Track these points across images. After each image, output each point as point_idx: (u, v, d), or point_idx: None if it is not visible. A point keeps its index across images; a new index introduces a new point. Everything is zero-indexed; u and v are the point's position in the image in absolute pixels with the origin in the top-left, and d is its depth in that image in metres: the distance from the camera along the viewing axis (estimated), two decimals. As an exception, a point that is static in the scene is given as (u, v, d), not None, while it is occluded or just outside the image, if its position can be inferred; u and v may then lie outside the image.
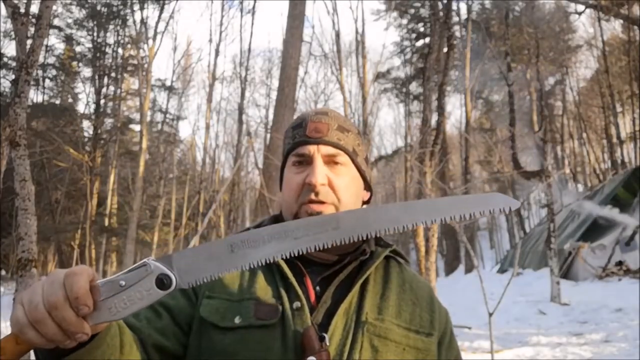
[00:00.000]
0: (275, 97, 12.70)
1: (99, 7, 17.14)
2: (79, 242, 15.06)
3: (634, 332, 6.45)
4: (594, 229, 13.24)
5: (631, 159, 21.35)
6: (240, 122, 18.17)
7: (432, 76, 8.44)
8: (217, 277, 0.65)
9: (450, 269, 21.67)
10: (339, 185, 0.92)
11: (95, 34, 17.57)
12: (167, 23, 21.28)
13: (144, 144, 13.88)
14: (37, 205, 3.31)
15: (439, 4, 9.34)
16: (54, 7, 8.77)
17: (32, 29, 3.48)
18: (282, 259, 0.92)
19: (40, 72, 16.67)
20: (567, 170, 26.07)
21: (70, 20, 17.40)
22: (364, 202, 1.01)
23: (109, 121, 18.16)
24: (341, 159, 0.94)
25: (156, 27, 15.17)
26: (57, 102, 18.18)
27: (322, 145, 0.93)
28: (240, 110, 18.22)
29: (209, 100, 18.34)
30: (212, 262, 0.64)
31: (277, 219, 1.01)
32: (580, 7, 15.86)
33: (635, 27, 16.70)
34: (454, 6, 18.80)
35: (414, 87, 23.65)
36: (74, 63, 18.53)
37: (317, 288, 0.89)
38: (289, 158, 0.96)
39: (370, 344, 0.85)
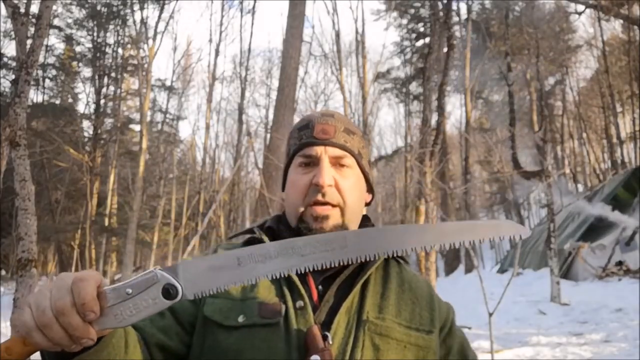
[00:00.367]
0: (275, 97, 12.69)
1: (99, 7, 17.14)
2: (79, 242, 15.05)
3: (634, 332, 6.45)
4: (594, 229, 13.24)
5: (631, 159, 21.35)
6: (240, 122, 18.18)
7: (432, 76, 8.45)
8: (223, 290, 0.65)
9: (450, 269, 21.68)
10: (344, 187, 0.93)
11: (95, 34, 17.56)
12: (167, 23, 21.27)
13: (144, 144, 13.87)
14: (37, 205, 3.31)
15: (439, 4, 9.35)
16: (54, 7, 8.77)
17: (32, 29, 3.48)
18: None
19: (40, 72, 16.67)
20: (567, 170, 26.07)
21: (70, 20, 17.40)
22: (366, 204, 1.03)
23: (109, 121, 18.16)
24: (347, 161, 0.95)
25: (156, 27, 15.16)
26: (57, 102, 18.17)
27: (329, 147, 0.94)
28: (240, 110, 18.23)
29: (209, 100, 18.36)
30: (219, 274, 0.64)
31: (280, 219, 1.02)
32: (580, 7, 15.87)
33: (635, 27, 16.70)
34: (454, 6, 18.82)
35: (414, 87, 23.65)
36: (74, 63, 18.52)
37: (320, 287, 0.90)
38: (295, 158, 0.97)
39: (372, 343, 0.85)
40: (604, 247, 12.44)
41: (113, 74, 17.83)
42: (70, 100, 19.24)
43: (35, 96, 17.30)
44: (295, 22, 12.27)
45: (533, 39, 15.21)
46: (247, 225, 13.13)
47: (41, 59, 15.67)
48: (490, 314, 4.85)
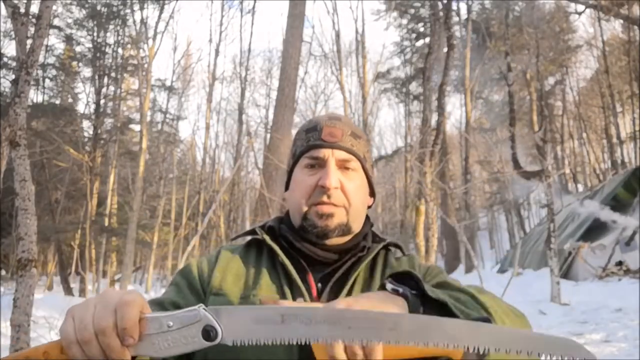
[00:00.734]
0: (275, 97, 12.70)
1: (99, 7, 17.12)
2: (79, 242, 15.05)
3: (634, 332, 6.45)
4: (594, 229, 13.24)
5: (631, 159, 21.35)
6: (240, 122, 18.19)
7: (432, 76, 8.45)
8: (263, 344, 0.64)
9: (450, 269, 21.66)
10: (350, 190, 0.95)
11: (95, 34, 17.55)
12: (167, 23, 21.28)
13: (144, 144, 13.88)
14: (37, 205, 3.31)
15: (439, 4, 9.35)
16: (54, 7, 8.78)
17: (32, 29, 3.48)
18: (289, 260, 0.95)
19: (40, 72, 16.64)
20: (567, 170, 26.08)
21: (70, 20, 17.37)
22: (368, 207, 1.05)
23: (109, 121, 18.15)
24: (353, 165, 0.97)
25: (156, 27, 15.18)
26: (57, 102, 18.15)
27: (336, 150, 0.96)
28: (240, 110, 18.23)
29: (209, 100, 18.37)
30: (261, 328, 0.63)
31: (282, 220, 1.04)
32: (580, 7, 15.87)
33: (635, 27, 16.70)
34: (454, 6, 18.81)
35: (414, 87, 23.66)
36: (74, 63, 18.50)
37: (319, 285, 0.93)
38: (302, 160, 0.99)
39: None
40: (604, 247, 12.44)
41: (113, 74, 17.82)
42: (70, 100, 19.23)
43: (35, 96, 17.29)
44: (295, 22, 12.28)
45: (533, 39, 15.22)
46: (247, 225, 13.13)
47: (41, 59, 15.67)
48: (490, 314, 4.85)
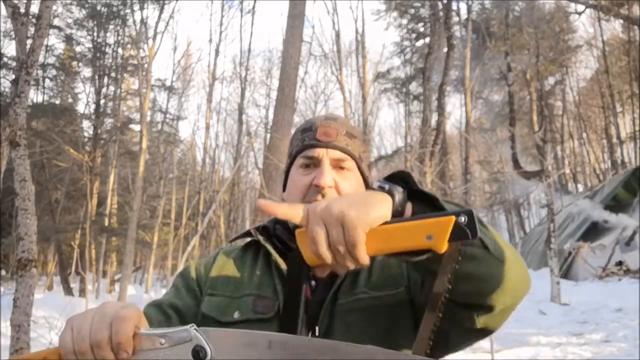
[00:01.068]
0: (275, 97, 12.69)
1: (99, 7, 17.11)
2: (79, 242, 15.04)
3: (634, 332, 6.45)
4: (594, 229, 13.25)
5: (631, 159, 21.35)
6: (240, 122, 18.19)
7: (432, 76, 8.45)
8: None
9: (450, 269, 21.65)
10: (344, 189, 0.96)
11: (95, 34, 17.54)
12: (167, 23, 21.25)
13: (144, 144, 13.87)
14: (37, 205, 3.31)
15: (439, 4, 9.35)
16: (54, 7, 8.78)
17: (32, 29, 3.48)
18: (280, 256, 0.95)
19: (40, 72, 16.63)
20: (567, 170, 26.07)
21: (70, 20, 17.37)
22: None
23: (109, 121, 18.14)
24: (348, 164, 0.97)
25: (156, 27, 15.16)
26: (57, 102, 18.14)
27: (330, 149, 0.97)
28: (240, 110, 18.23)
29: (209, 100, 18.37)
30: (248, 351, 0.64)
31: (278, 221, 1.04)
32: (580, 7, 15.88)
33: (635, 27, 16.70)
34: (454, 6, 18.81)
35: (414, 87, 23.65)
36: (74, 63, 18.50)
37: (313, 283, 0.94)
38: (297, 159, 0.99)
39: (344, 323, 0.88)
40: (604, 247, 12.45)
41: (113, 74, 17.81)
42: (70, 100, 19.22)
43: (35, 96, 17.28)
44: (295, 22, 12.27)
45: (533, 39, 15.23)
46: (247, 225, 13.14)
47: (41, 59, 15.67)
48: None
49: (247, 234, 1.04)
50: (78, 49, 18.11)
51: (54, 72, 18.06)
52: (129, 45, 17.68)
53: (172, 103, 20.89)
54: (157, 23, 15.16)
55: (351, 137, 0.99)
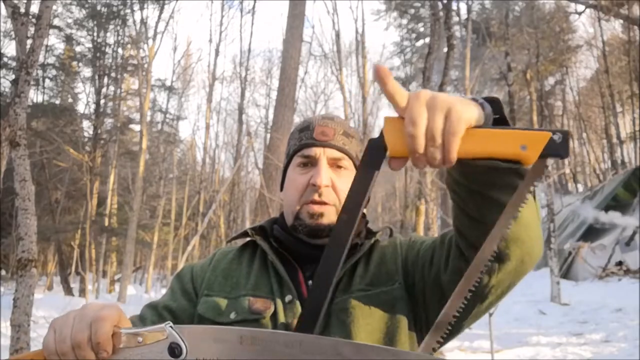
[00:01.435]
0: (275, 97, 12.70)
1: (99, 7, 17.11)
2: (79, 242, 15.05)
3: (634, 332, 6.45)
4: (594, 229, 13.24)
5: (631, 159, 21.34)
6: (240, 122, 18.17)
7: (432, 76, 8.45)
8: None
9: (450, 269, 21.67)
10: (341, 188, 0.96)
11: (95, 34, 17.54)
12: (167, 23, 21.31)
13: (144, 144, 13.89)
14: (37, 205, 3.31)
15: (439, 4, 9.33)
16: (54, 7, 8.77)
17: (32, 29, 3.48)
18: (277, 256, 0.96)
19: (40, 72, 16.64)
20: (567, 170, 26.06)
21: (70, 20, 17.36)
22: None
23: (109, 121, 18.15)
24: (344, 163, 0.98)
25: (156, 27, 15.19)
26: (57, 102, 18.14)
27: (327, 149, 0.97)
28: (240, 110, 18.22)
29: (209, 100, 18.36)
30: (220, 346, 0.66)
31: (276, 220, 1.06)
32: (580, 7, 15.88)
33: (635, 27, 16.70)
34: (454, 6, 18.81)
35: (414, 87, 23.65)
36: (74, 63, 18.49)
37: (309, 282, 0.94)
38: (294, 159, 1.00)
39: (339, 321, 0.88)
40: (604, 247, 12.44)
41: (113, 74, 17.81)
42: (70, 100, 19.22)
43: (35, 96, 17.28)
44: (295, 22, 12.28)
45: (533, 39, 15.22)
46: (247, 225, 13.14)
47: (41, 59, 15.66)
48: (490, 314, 4.86)
49: (244, 234, 1.04)
50: (78, 49, 18.12)
51: (54, 72, 18.06)
52: (129, 45, 17.68)
53: (172, 103, 20.92)
54: (157, 23, 15.21)
55: (348, 137, 1.00)
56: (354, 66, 20.60)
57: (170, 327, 0.66)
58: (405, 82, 24.14)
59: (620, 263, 12.06)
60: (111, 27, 17.66)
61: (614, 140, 21.80)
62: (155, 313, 0.95)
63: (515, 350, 6.24)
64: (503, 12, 16.60)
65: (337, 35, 15.70)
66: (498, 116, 0.71)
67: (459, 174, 0.74)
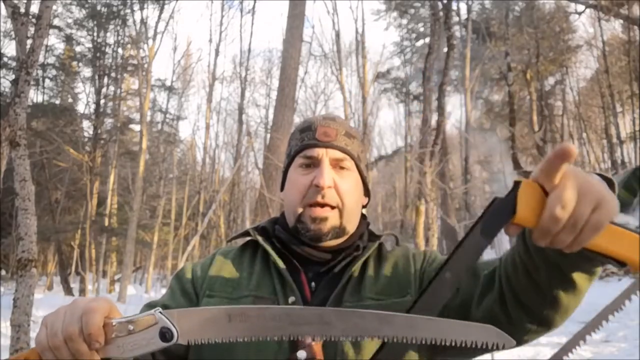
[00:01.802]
0: (275, 97, 12.71)
1: (99, 7, 17.11)
2: (79, 242, 15.06)
3: (634, 332, 6.44)
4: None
5: (631, 159, 21.33)
6: (240, 122, 18.17)
7: (432, 76, 8.45)
8: (214, 342, 0.68)
9: (450, 269, 21.63)
10: (343, 189, 0.95)
11: (95, 34, 17.54)
12: (167, 23, 21.26)
13: (144, 144, 13.89)
14: (37, 205, 3.31)
15: (439, 4, 9.32)
16: (54, 7, 8.77)
17: (32, 29, 3.48)
18: (279, 256, 0.95)
19: (40, 72, 16.64)
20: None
21: (70, 20, 17.36)
22: (363, 206, 1.05)
23: (109, 121, 18.14)
24: (347, 164, 0.97)
25: (156, 27, 15.19)
26: (57, 102, 18.14)
27: (330, 149, 0.96)
28: (240, 110, 18.22)
29: (209, 100, 18.36)
30: (210, 327, 0.67)
31: (277, 221, 1.05)
32: (580, 7, 15.88)
33: (635, 27, 16.70)
34: (454, 6, 18.81)
35: (414, 87, 23.64)
36: (74, 63, 18.50)
37: (313, 284, 0.93)
38: (296, 159, 0.99)
39: None
40: (603, 247, 12.43)
41: (113, 74, 17.81)
42: (70, 100, 19.22)
43: (35, 96, 17.27)
44: (295, 22, 12.29)
45: (533, 39, 15.22)
46: (247, 225, 13.14)
47: (41, 59, 15.66)
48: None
49: (246, 233, 1.03)
50: (78, 49, 18.12)
51: (54, 72, 18.06)
52: (129, 45, 17.68)
53: (172, 103, 20.91)
54: (157, 23, 15.21)
55: (350, 137, 0.99)
56: (354, 66, 20.60)
57: (160, 312, 0.67)
58: (405, 82, 24.15)
59: (620, 263, 12.06)
60: (111, 27, 17.66)
61: (614, 140, 21.79)
62: None
63: (515, 350, 6.22)
64: (503, 12, 16.61)
65: (337, 35, 15.70)
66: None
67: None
